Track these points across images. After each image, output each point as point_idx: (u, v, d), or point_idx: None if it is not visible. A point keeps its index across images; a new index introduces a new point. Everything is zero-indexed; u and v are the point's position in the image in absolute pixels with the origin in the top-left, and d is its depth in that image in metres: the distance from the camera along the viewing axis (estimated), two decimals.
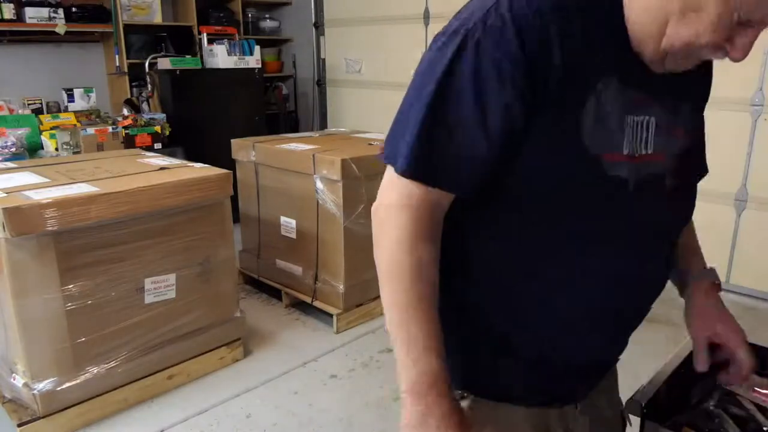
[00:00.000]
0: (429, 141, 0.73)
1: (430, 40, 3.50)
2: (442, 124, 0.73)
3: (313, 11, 5.34)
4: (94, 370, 2.09)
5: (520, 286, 0.81)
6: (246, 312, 2.64)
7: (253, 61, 4.56)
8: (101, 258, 2.05)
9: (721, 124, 3.17)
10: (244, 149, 3.16)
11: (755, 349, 1.07)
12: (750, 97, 3.05)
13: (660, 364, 1.12)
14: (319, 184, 2.79)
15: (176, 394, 2.31)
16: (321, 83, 5.49)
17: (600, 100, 0.74)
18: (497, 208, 0.78)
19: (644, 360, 1.62)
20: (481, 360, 0.86)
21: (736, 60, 0.77)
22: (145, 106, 4.36)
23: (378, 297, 2.91)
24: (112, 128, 3.61)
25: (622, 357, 1.03)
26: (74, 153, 3.36)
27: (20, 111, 3.64)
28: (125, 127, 3.66)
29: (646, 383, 1.03)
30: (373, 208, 0.79)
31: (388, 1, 4.70)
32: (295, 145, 3.02)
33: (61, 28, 4.28)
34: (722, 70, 3.43)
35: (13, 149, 3.10)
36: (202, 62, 4.43)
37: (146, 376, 2.25)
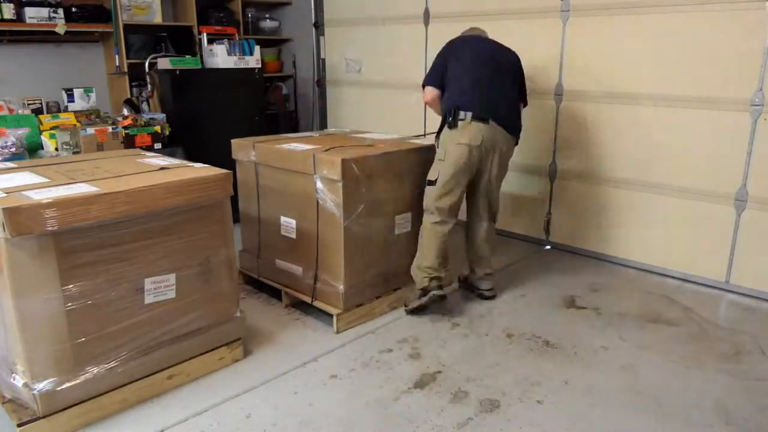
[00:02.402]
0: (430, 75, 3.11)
1: (429, 39, 3.57)
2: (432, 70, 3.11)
3: (313, 11, 5.34)
4: (94, 370, 2.09)
5: (455, 90, 2.99)
6: (246, 312, 2.64)
7: (253, 61, 4.56)
8: (101, 258, 2.05)
9: (721, 124, 3.18)
10: (244, 149, 3.16)
11: None
12: (750, 97, 3.05)
13: None
14: (319, 184, 2.79)
15: (176, 394, 2.31)
16: (321, 83, 5.50)
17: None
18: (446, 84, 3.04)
19: None
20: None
21: None
22: (145, 106, 4.36)
23: (378, 297, 2.92)
24: (112, 128, 3.60)
25: None
26: (74, 153, 3.36)
27: (20, 111, 3.64)
28: (125, 127, 3.66)
29: None
30: (425, 97, 3.12)
31: (387, 1, 4.70)
32: (295, 145, 3.02)
33: (61, 28, 4.28)
34: (722, 70, 3.47)
35: (13, 149, 3.10)
36: (202, 62, 4.43)
37: (146, 376, 2.25)
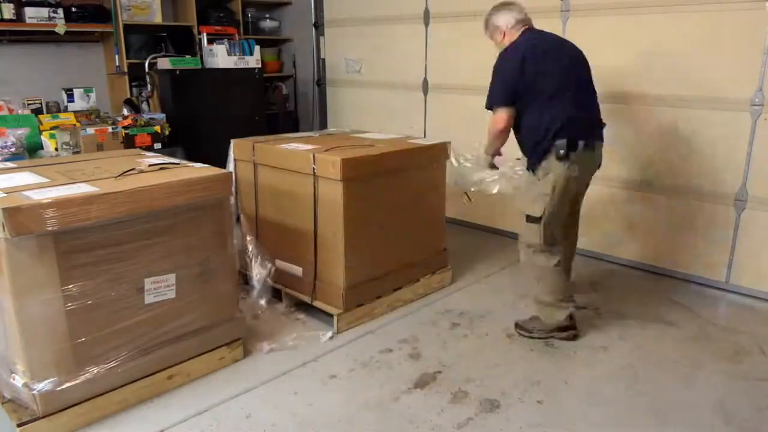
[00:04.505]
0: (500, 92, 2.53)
1: (429, 39, 3.56)
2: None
3: (313, 11, 5.34)
4: (94, 370, 2.09)
5: (556, 109, 2.45)
6: (246, 312, 2.64)
7: (253, 61, 4.56)
8: (101, 258, 2.05)
9: (721, 124, 3.18)
10: (244, 149, 3.16)
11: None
12: (750, 97, 3.05)
13: None
14: (320, 184, 2.79)
15: (176, 394, 2.31)
16: (321, 83, 5.49)
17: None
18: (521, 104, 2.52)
19: None
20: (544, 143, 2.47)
21: None
22: (145, 106, 4.36)
23: (378, 297, 2.91)
24: (112, 128, 3.61)
25: None
26: (74, 153, 3.36)
27: (20, 111, 3.64)
28: (125, 127, 3.67)
29: None
30: (498, 124, 2.53)
31: (388, 1, 4.70)
32: (295, 145, 3.02)
33: (61, 28, 4.28)
34: (722, 70, 3.47)
35: (13, 149, 3.10)
36: (202, 62, 4.44)
37: (146, 376, 2.25)
